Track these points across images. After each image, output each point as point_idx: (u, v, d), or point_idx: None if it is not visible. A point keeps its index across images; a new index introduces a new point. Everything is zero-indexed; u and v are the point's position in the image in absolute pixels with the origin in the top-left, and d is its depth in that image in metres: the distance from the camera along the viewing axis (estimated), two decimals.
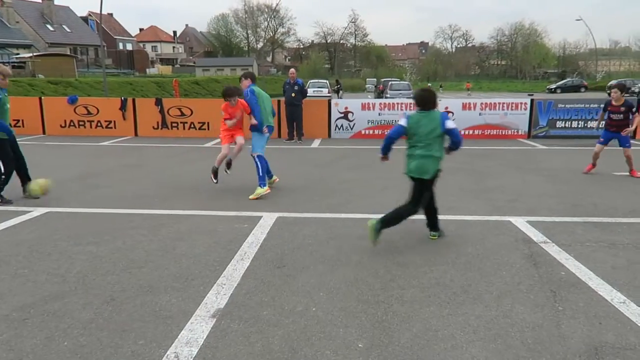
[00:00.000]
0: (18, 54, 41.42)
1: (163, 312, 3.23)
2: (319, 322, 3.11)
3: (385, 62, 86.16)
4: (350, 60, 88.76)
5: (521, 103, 12.93)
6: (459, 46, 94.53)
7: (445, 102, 13.18)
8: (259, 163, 6.55)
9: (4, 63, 36.17)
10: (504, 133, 12.84)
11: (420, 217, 5.43)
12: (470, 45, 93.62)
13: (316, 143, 12.18)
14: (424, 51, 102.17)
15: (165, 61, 75.56)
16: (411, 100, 14.03)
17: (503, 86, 64.68)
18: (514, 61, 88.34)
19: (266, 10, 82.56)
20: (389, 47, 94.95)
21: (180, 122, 13.37)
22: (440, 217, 4.92)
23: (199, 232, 4.95)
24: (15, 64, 35.83)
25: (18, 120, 13.72)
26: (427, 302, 3.38)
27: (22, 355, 2.73)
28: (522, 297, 3.47)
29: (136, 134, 13.45)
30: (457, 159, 9.65)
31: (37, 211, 5.70)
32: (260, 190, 6.43)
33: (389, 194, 6.64)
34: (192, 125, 13.40)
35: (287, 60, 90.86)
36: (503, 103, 12.95)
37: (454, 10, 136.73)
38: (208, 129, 13.25)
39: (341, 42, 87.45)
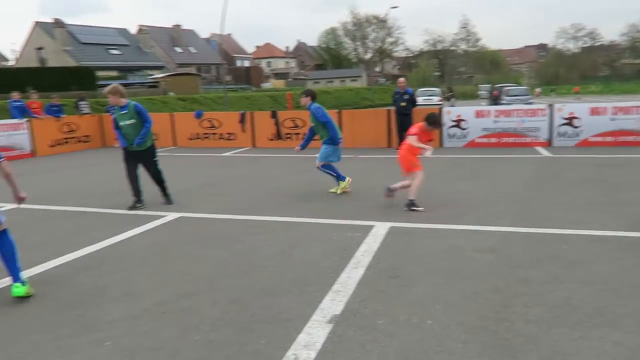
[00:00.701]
0: (152, 74, 46.19)
1: (282, 315, 3.38)
2: (435, 335, 3.03)
3: (500, 66, 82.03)
4: (462, 67, 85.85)
5: None
6: (584, 46, 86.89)
7: (571, 107, 12.19)
8: (329, 170, 7.42)
9: (141, 84, 40.57)
10: None
11: (545, 230, 5.09)
12: (598, 44, 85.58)
13: (427, 153, 11.92)
14: (542, 53, 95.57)
15: (278, 75, 79.25)
16: (529, 106, 13.20)
17: (638, 88, 58.10)
18: None
19: (374, 21, 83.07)
20: (504, 51, 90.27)
21: (294, 133, 13.92)
22: (566, 231, 4.55)
23: (313, 239, 5.10)
24: (150, 84, 39.96)
25: (155, 134, 15.22)
26: (554, 323, 3.14)
27: (161, 345, 3.02)
28: None
29: (254, 145, 14.26)
30: (583, 169, 8.88)
31: (171, 216, 6.28)
32: (344, 183, 7.34)
33: (506, 204, 6.30)
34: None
35: (396, 69, 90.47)
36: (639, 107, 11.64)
37: (574, 9, 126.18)
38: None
39: (452, 48, 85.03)
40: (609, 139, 11.65)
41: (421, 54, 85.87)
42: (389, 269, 4.16)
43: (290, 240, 5.10)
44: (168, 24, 62.18)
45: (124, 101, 6.56)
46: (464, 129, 12.62)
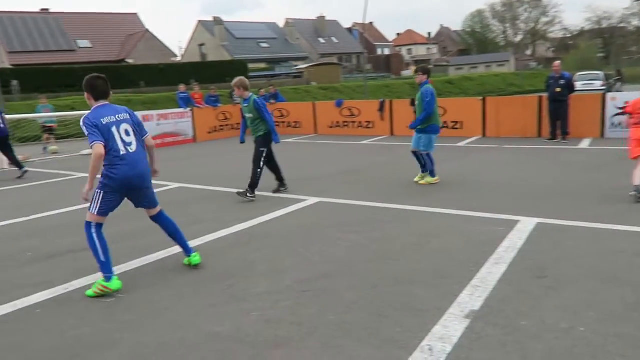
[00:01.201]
0: (297, 65, 48.46)
1: (418, 305, 3.35)
2: (588, 344, 2.76)
3: None
4: (633, 46, 75.20)
5: None
6: None
7: None
8: (428, 160, 7.38)
9: (287, 74, 42.86)
10: None
11: None
12: None
13: (585, 143, 10.76)
14: None
15: (419, 62, 77.56)
16: None
17: None
18: None
19: (527, 0, 76.64)
20: None
21: None
22: None
23: (452, 231, 4.94)
24: (295, 74, 42.00)
25: (297, 122, 16.10)
26: None
27: (302, 320, 3.20)
28: None
29: (392, 134, 14.22)
30: None
31: (311, 200, 6.58)
32: (432, 180, 7.33)
33: None
34: (446, 125, 13.42)
35: (550, 52, 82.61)
36: None
37: None
38: (462, 128, 13.09)
39: (621, 25, 74.86)
40: None
41: (581, 33, 77.09)
42: (535, 268, 3.87)
43: (428, 230, 5.01)
44: (313, 16, 64.83)
45: (247, 94, 6.85)
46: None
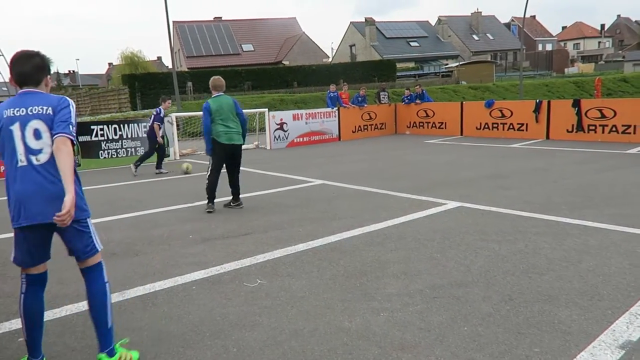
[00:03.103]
0: (447, 64, 47.02)
1: (562, 326, 3.05)
2: None
3: None
4: None
5: None
6: None
7: None
8: None
9: (435, 74, 41.88)
10: None
11: None
12: None
13: None
14: None
15: (587, 58, 69.83)
16: None
17: None
18: None
19: None
20: None
21: (600, 125, 12.12)
22: None
23: (612, 250, 4.39)
24: (444, 73, 40.82)
25: (442, 123, 15.68)
26: None
27: (430, 327, 3.14)
28: None
29: (547, 137, 13.06)
30: None
31: (451, 204, 6.37)
32: None
33: None
34: (614, 129, 11.91)
35: None
36: None
37: None
38: (634, 133, 11.49)
39: None
40: None
41: None
42: None
43: (582, 247, 4.52)
44: (468, 12, 62.19)
45: (214, 93, 6.55)
46: None
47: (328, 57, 51.52)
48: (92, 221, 2.81)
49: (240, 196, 6.84)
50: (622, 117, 11.73)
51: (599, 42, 78.41)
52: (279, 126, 14.67)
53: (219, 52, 45.74)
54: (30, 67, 2.61)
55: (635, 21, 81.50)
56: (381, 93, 18.33)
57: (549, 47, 69.77)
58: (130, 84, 29.14)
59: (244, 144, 6.69)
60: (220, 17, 50.65)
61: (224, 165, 6.65)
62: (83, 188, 2.77)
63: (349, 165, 10.48)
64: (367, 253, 4.64)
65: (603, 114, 12.04)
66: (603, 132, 12.04)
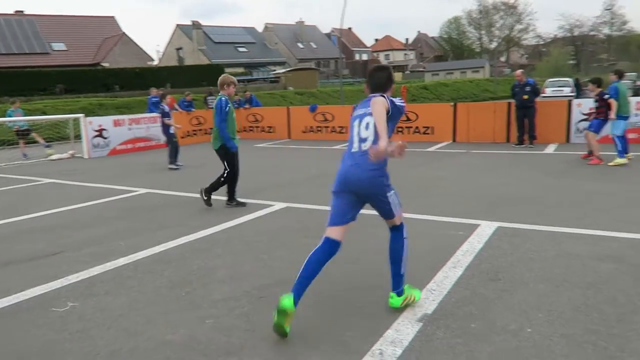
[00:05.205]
0: (275, 70, 48.45)
1: (372, 309, 3.37)
2: (534, 345, 2.82)
3: None
4: (603, 54, 77.25)
5: None
6: None
7: None
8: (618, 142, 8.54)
9: (264, 79, 42.78)
10: None
11: None
12: None
13: (551, 148, 11.01)
14: None
15: (396, 68, 78.27)
16: None
17: None
18: None
19: (502, 7, 78.12)
20: None
21: (406, 127, 13.70)
22: None
23: (415, 235, 4.97)
24: (272, 79, 41.95)
25: (270, 127, 16.10)
26: None
27: (255, 327, 3.19)
28: None
29: None
30: None
31: (278, 205, 6.57)
32: (620, 160, 8.47)
33: (638, 209, 5.60)
34: (417, 130, 13.59)
35: (523, 58, 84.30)
36: None
37: None
38: (432, 134, 13.26)
39: (591, 33, 76.84)
40: None
41: (554, 41, 78.87)
42: (490, 271, 3.94)
43: None
44: (292, 21, 65.13)
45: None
46: None
47: (153, 60, 49.02)
48: None
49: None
50: (424, 120, 13.45)
51: (405, 54, 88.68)
52: (97, 133, 13.48)
53: (22, 50, 40.10)
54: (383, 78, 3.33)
55: (432, 37, 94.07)
56: (209, 98, 18.07)
57: (364, 56, 76.64)
58: None
59: (216, 148, 6.63)
60: (22, 11, 44.51)
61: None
62: None
63: (176, 172, 10.10)
64: (193, 261, 4.53)
65: (408, 117, 13.65)
66: (409, 132, 13.64)
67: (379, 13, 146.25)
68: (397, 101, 3.23)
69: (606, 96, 8.81)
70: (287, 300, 3.01)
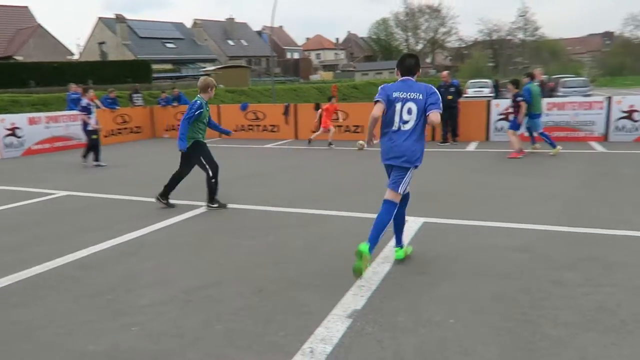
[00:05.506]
0: (205, 67, 47.31)
1: (304, 308, 3.39)
2: (456, 335, 2.96)
3: (559, 56, 78.14)
4: (518, 57, 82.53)
5: None
6: None
7: (631, 99, 11.45)
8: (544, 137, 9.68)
9: (193, 76, 41.66)
10: None
11: (590, 229, 4.84)
12: None
13: (472, 146, 11.60)
14: (608, 42, 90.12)
15: (327, 67, 79.15)
16: (588, 99, 12.59)
17: None
18: None
19: (427, 11, 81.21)
20: (565, 40, 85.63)
21: (337, 126, 13.87)
22: (612, 232, 4.31)
23: (344, 233, 5.08)
24: (202, 76, 40.93)
25: None
26: (585, 328, 2.98)
27: (184, 332, 3.11)
28: None
29: (296, 137, 14.35)
30: None
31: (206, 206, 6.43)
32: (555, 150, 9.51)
33: (551, 202, 6.03)
34: (347, 129, 13.82)
35: (447, 60, 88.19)
36: None
37: None
38: (362, 132, 13.52)
39: (508, 38, 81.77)
40: None
41: (475, 44, 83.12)
42: (417, 266, 4.09)
43: (323, 233, 5.11)
44: (222, 17, 63.97)
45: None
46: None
47: (73, 54, 46.25)
48: None
49: None
50: (354, 119, 13.70)
51: (335, 54, 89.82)
52: (10, 132, 12.52)
53: None
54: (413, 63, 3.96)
55: (361, 37, 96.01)
56: (134, 95, 17.34)
57: (296, 55, 76.75)
58: None
59: (181, 149, 6.26)
60: None
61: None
62: None
63: (97, 173, 9.60)
64: (118, 266, 4.33)
65: (339, 116, 13.83)
66: (340, 132, 13.82)
67: (310, 12, 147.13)
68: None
69: (519, 98, 9.47)
70: (363, 246, 3.71)
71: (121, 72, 33.18)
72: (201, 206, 6.42)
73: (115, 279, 4.01)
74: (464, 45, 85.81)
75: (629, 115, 11.23)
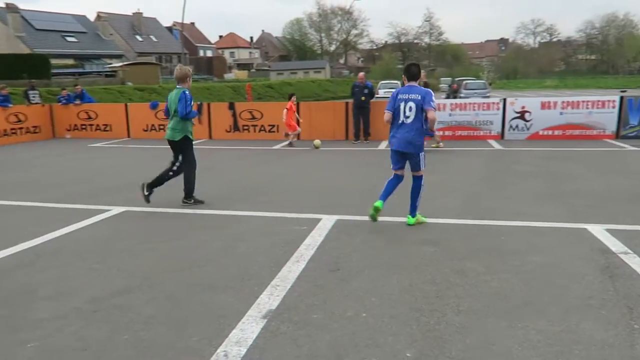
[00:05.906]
0: (111, 63, 44.76)
1: (218, 311, 3.33)
2: (368, 328, 3.06)
3: (461, 60, 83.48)
4: (425, 60, 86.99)
5: (609, 101, 11.98)
6: (542, 41, 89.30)
7: (523, 101, 12.51)
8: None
9: (98, 73, 39.25)
10: (587, 133, 11.97)
11: (488, 221, 5.22)
12: (555, 39, 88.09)
13: (383, 145, 12.04)
14: (503, 48, 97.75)
15: (242, 66, 78.23)
16: (486, 100, 13.55)
17: (592, 83, 60.05)
18: (605, 55, 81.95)
19: (340, 12, 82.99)
20: (466, 45, 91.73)
21: (251, 125, 13.78)
22: (508, 223, 4.68)
23: (259, 233, 5.06)
24: (108, 73, 38.73)
25: (107, 125, 14.88)
26: (484, 313, 3.22)
27: (88, 345, 2.93)
28: (592, 313, 3.21)
29: (210, 137, 14.04)
30: (533, 161, 9.15)
31: (115, 210, 6.11)
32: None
33: (454, 197, 6.42)
34: (263, 128, 13.76)
35: (359, 61, 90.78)
36: (587, 101, 12.06)
37: (539, 4, 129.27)
38: (277, 131, 13.54)
39: (415, 41, 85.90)
40: (558, 132, 12.07)
41: (385, 46, 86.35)
42: (331, 263, 4.17)
43: (237, 235, 5.04)
44: (129, 11, 60.74)
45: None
46: None
47: None
48: None
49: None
50: (269, 118, 13.66)
51: (250, 52, 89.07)
52: None
53: None
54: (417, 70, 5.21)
55: (276, 37, 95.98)
56: (30, 92, 15.98)
57: (209, 53, 75.05)
58: None
59: (177, 140, 6.42)
60: None
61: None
62: None
63: None
64: (12, 278, 3.98)
65: (253, 116, 13.75)
66: (255, 131, 13.75)
67: (222, 9, 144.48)
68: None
69: None
70: (379, 202, 5.11)
71: (15, 66, 30.44)
72: (106, 211, 6.08)
73: (9, 294, 3.68)
74: (375, 47, 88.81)
75: (522, 115, 12.26)
